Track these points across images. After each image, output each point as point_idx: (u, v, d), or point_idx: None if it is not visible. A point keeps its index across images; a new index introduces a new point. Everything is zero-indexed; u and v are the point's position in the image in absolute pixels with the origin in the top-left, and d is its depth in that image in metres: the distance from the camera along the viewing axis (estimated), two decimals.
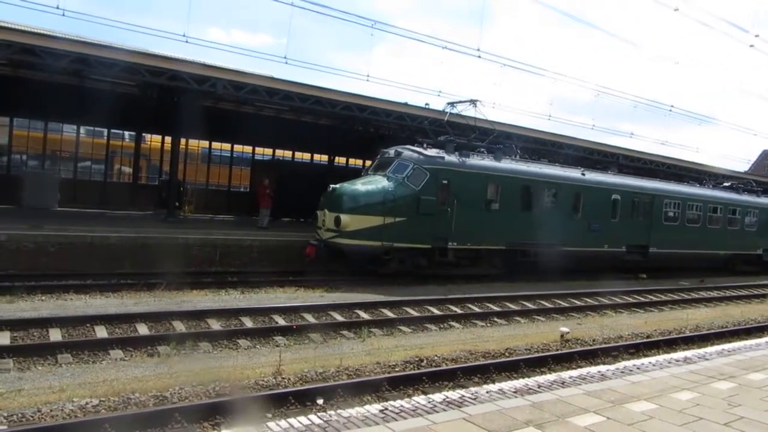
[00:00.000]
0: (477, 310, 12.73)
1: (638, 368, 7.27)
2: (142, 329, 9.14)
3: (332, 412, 5.49)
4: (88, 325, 8.97)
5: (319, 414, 5.45)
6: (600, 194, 19.62)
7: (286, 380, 7.31)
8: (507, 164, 17.47)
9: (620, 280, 17.97)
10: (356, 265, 15.22)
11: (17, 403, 6.05)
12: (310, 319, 10.69)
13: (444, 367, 8.26)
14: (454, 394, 6.17)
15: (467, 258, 16.47)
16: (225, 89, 16.97)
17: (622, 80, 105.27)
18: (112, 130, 25.11)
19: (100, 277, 12.46)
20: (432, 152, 15.95)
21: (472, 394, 6.13)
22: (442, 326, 11.24)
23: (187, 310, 10.25)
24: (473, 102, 17.87)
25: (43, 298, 10.60)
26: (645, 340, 10.83)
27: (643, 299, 16.24)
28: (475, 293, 14.03)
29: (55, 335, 8.44)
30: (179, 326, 9.45)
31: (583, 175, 19.57)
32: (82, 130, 24.69)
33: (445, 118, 18.26)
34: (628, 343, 10.57)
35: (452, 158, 16.08)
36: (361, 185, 15.48)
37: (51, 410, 5.90)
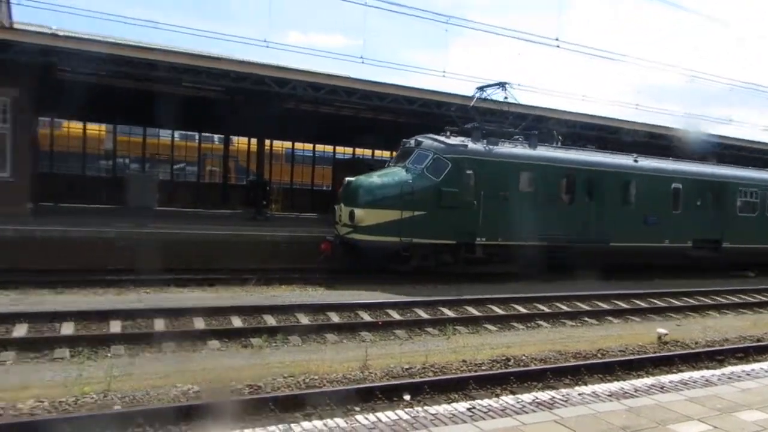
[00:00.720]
0: (566, 309, 12.34)
1: (748, 374, 6.79)
2: (237, 322, 9.57)
3: (419, 409, 5.51)
4: (188, 316, 9.51)
5: (406, 410, 5.50)
6: (657, 183, 17.69)
7: (372, 375, 7.41)
8: (543, 151, 16.07)
9: (721, 278, 16.81)
10: (372, 262, 14.31)
11: (129, 386, 6.51)
12: (395, 315, 10.78)
13: (533, 367, 8.08)
14: (543, 395, 6.01)
15: (499, 255, 15.10)
16: (305, 91, 17.44)
17: (714, 62, 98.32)
18: (203, 134, 26.48)
19: (197, 272, 13.14)
20: (455, 140, 14.88)
21: (563, 395, 5.95)
22: (529, 325, 10.99)
23: (277, 304, 10.64)
24: (502, 85, 16.49)
25: (148, 291, 11.35)
26: (755, 344, 10.07)
27: (751, 299, 15.06)
28: (554, 292, 13.40)
29: (159, 325, 9.01)
30: (270, 320, 9.83)
31: (636, 162, 17.71)
32: (177, 134, 26.20)
33: (471, 104, 16.79)
34: (735, 346, 9.85)
35: (477, 146, 14.93)
36: (377, 177, 14.74)
37: (158, 394, 6.32)
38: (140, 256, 12.84)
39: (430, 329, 10.07)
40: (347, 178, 14.60)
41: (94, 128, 24.99)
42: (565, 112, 21.19)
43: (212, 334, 8.75)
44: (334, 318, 10.28)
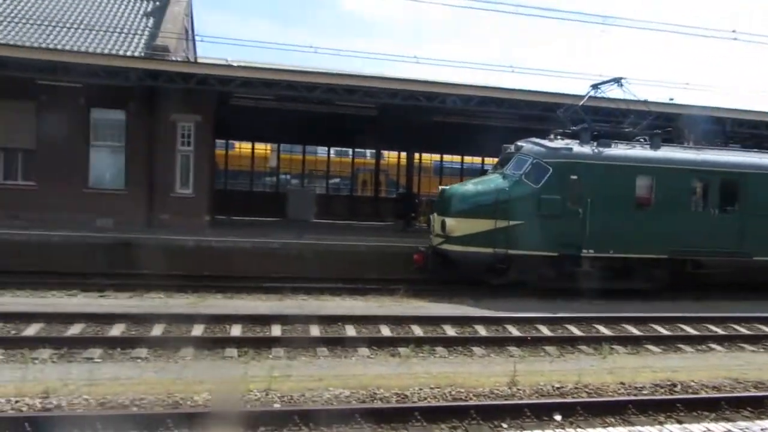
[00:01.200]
0: (744, 331, 10.96)
1: None
2: (385, 331, 9.86)
3: (571, 431, 5.23)
4: (340, 323, 10.01)
5: (556, 431, 5.25)
6: None
7: (521, 392, 7.19)
8: (666, 153, 14.28)
9: None
10: (465, 274, 13.68)
11: (287, 386, 7.00)
12: (544, 331, 10.38)
13: (704, 395, 7.29)
14: (717, 427, 5.40)
15: (611, 269, 13.61)
16: (454, 103, 17.55)
17: None
18: (356, 149, 27.79)
19: (348, 281, 13.77)
20: (558, 144, 13.82)
21: (741, 429, 5.29)
22: (699, 348, 9.93)
23: (424, 314, 10.78)
24: (617, 81, 14.87)
25: (305, 298, 12.14)
26: None
27: None
28: (704, 312, 11.94)
29: (314, 331, 9.59)
30: (417, 330, 9.98)
31: None
32: (332, 151, 27.82)
33: (580, 103, 15.19)
34: None
35: (584, 149, 13.69)
36: (471, 185, 14.18)
37: (313, 396, 6.72)
38: (299, 266, 13.79)
39: (583, 347, 9.53)
40: (441, 187, 14.19)
41: (261, 148, 27.46)
42: (706, 108, 18.65)
43: (362, 341, 9.11)
44: (482, 331, 10.16)
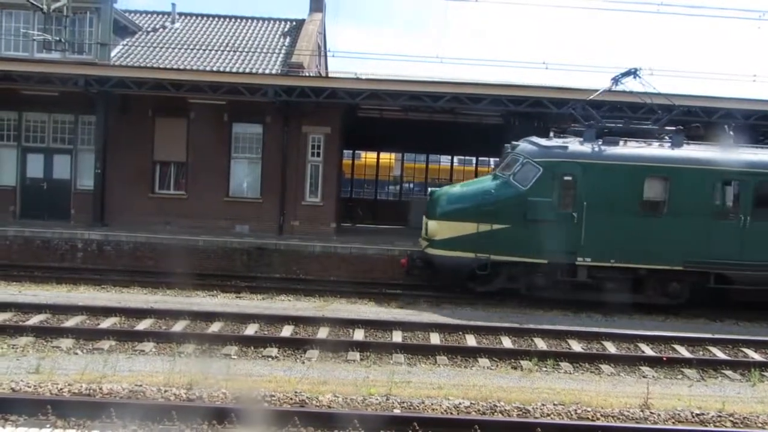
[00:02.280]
0: None
1: None
2: (507, 342, 9.65)
3: None
4: (461, 332, 9.96)
5: None
6: None
7: (654, 416, 6.70)
8: (687, 151, 12.54)
9: None
10: (445, 279, 13.11)
11: (407, 392, 7.10)
12: (683, 351, 9.57)
13: None
14: None
15: (613, 280, 12.25)
16: (584, 110, 16.72)
17: None
18: (480, 158, 27.49)
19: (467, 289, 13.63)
20: (552, 142, 12.74)
21: None
22: None
23: (547, 328, 10.40)
24: (633, 73, 13.27)
25: (425, 305, 12.21)
26: None
27: None
28: None
29: (435, 339, 9.62)
30: (540, 343, 9.65)
31: None
32: (455, 159, 27.78)
33: (589, 97, 13.97)
34: None
35: (581, 147, 12.46)
36: (459, 187, 13.49)
37: (432, 404, 6.74)
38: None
39: (728, 372, 8.65)
40: (431, 189, 13.31)
41: (386, 157, 28.15)
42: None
43: (483, 352, 8.99)
44: (611, 348, 9.58)
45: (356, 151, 27.50)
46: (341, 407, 6.56)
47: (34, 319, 9.60)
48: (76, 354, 8.21)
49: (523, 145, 12.87)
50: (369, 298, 12.57)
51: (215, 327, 9.69)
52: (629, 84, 13.62)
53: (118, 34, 20.15)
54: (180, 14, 23.58)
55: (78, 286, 12.46)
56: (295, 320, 10.12)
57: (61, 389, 6.54)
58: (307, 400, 6.71)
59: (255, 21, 23.59)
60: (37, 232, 15.22)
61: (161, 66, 19.12)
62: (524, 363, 8.61)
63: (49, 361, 7.65)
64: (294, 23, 23.52)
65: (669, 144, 12.84)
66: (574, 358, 8.92)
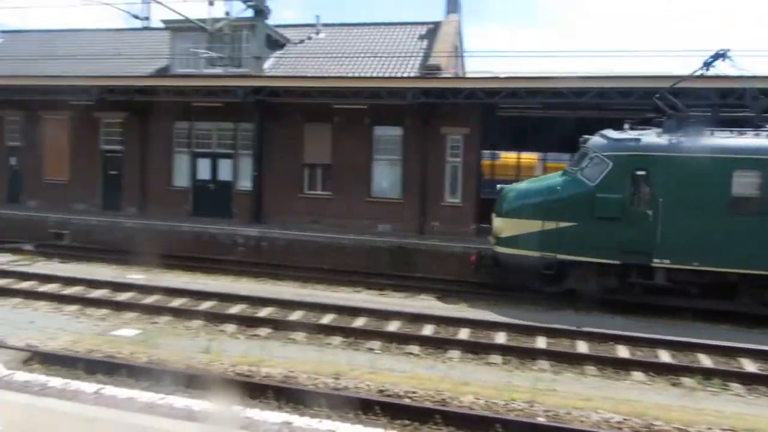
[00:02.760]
0: None
1: None
2: (664, 356, 8.90)
3: None
4: (611, 342, 9.37)
5: None
6: None
7: None
8: None
9: None
10: (513, 278, 12.65)
11: (551, 401, 6.83)
12: None
13: None
14: None
15: (697, 284, 11.19)
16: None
17: None
18: None
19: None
20: (623, 134, 11.84)
21: None
22: None
23: (712, 343, 9.41)
24: (722, 56, 11.77)
25: (570, 311, 11.65)
26: None
27: None
28: None
29: (582, 347, 9.15)
30: (705, 360, 8.77)
31: None
32: None
33: (670, 85, 12.51)
34: None
35: (657, 139, 11.48)
36: (527, 183, 13.15)
37: (579, 416, 6.42)
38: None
39: None
40: (499, 186, 13.15)
41: (527, 157, 27.36)
42: None
43: (637, 364, 8.38)
44: None
45: (497, 152, 27.08)
46: (483, 410, 6.49)
47: (204, 305, 10.68)
48: (238, 339, 8.99)
49: (594, 139, 12.20)
50: (509, 300, 12.30)
51: (359, 321, 10.07)
52: (722, 68, 12.21)
53: (269, 47, 21.70)
54: (324, 25, 24.82)
55: (240, 277, 13.65)
56: (437, 319, 10.19)
57: (226, 368, 7.20)
58: (448, 400, 6.72)
59: (393, 26, 24.13)
60: (206, 228, 16.89)
61: (308, 75, 20.30)
62: (685, 380, 7.88)
63: (217, 343, 8.45)
64: (431, 26, 23.70)
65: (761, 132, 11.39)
66: (747, 379, 8.00)
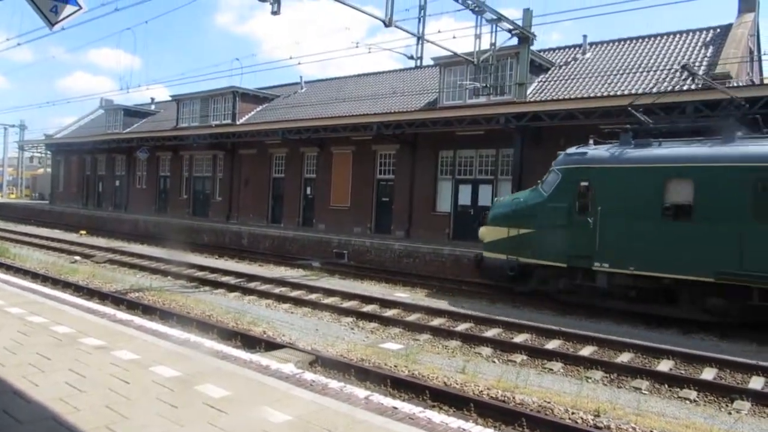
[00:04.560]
0: None
1: None
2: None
3: None
4: None
5: None
6: None
7: None
8: (726, 148, 11.01)
9: None
10: (494, 280, 14.57)
11: None
12: None
13: None
14: None
15: (635, 288, 11.79)
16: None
17: None
18: None
19: None
20: (580, 149, 12.91)
21: None
22: None
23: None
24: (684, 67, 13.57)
25: None
26: None
27: None
28: None
29: None
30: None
31: None
32: None
33: (628, 104, 13.61)
34: None
35: (599, 152, 12.42)
36: (509, 196, 15.50)
37: None
38: None
39: None
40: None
41: None
42: None
43: None
44: None
45: None
46: None
47: (461, 326, 11.06)
48: (494, 362, 9.07)
49: (559, 155, 13.35)
50: None
51: (624, 357, 9.27)
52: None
53: (533, 72, 21.73)
54: (591, 44, 23.88)
55: (494, 302, 13.81)
56: (719, 363, 8.82)
57: (481, 391, 7.32)
58: None
59: (670, 36, 21.98)
60: (465, 251, 17.53)
61: (571, 97, 19.70)
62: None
63: (473, 365, 8.67)
64: (718, 30, 20.94)
65: (713, 142, 11.47)
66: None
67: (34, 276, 14.76)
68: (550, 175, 13.24)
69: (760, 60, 24.38)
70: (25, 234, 26.43)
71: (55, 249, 21.58)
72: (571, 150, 13.21)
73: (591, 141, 13.23)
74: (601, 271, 12.19)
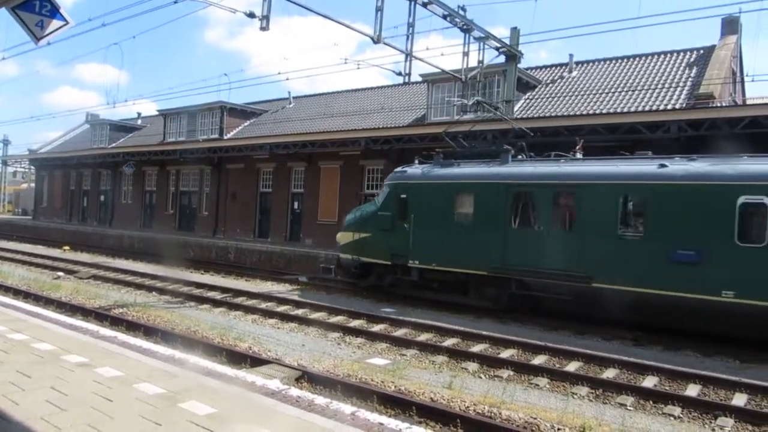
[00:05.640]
0: None
1: None
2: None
3: None
4: None
5: None
6: (702, 197, 10.98)
7: None
8: (495, 168, 14.15)
9: None
10: (345, 276, 17.54)
11: None
12: None
13: None
14: None
15: (440, 281, 14.74)
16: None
17: None
18: None
19: None
20: (405, 167, 16.01)
21: None
22: None
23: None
24: (478, 103, 16.94)
25: None
26: None
27: None
28: None
29: None
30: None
31: (663, 167, 11.59)
32: None
33: (442, 131, 17.50)
34: None
35: (414, 170, 15.61)
36: (361, 206, 18.78)
37: None
38: None
39: None
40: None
41: None
42: None
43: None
44: None
45: None
46: None
47: (448, 342, 11.06)
48: (480, 378, 9.06)
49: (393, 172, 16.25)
50: None
51: (610, 373, 9.31)
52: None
53: (520, 89, 21.98)
54: (577, 63, 24.25)
55: (481, 318, 13.79)
56: (703, 380, 8.89)
57: (467, 407, 7.31)
58: None
59: (655, 57, 22.39)
60: None
61: (556, 114, 19.94)
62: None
63: (459, 380, 8.65)
64: (702, 51, 21.37)
65: (493, 163, 14.38)
66: None
67: (16, 293, 14.54)
68: (382, 188, 16.27)
69: (743, 81, 24.88)
70: (7, 250, 26.06)
71: (37, 265, 21.29)
72: (398, 168, 16.21)
73: (416, 161, 16.05)
74: (414, 267, 14.97)
